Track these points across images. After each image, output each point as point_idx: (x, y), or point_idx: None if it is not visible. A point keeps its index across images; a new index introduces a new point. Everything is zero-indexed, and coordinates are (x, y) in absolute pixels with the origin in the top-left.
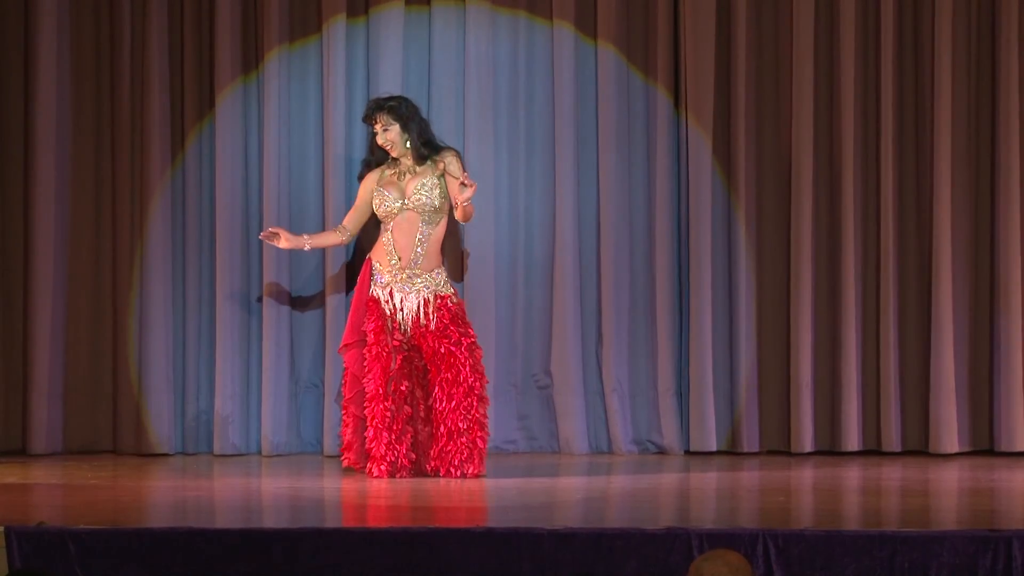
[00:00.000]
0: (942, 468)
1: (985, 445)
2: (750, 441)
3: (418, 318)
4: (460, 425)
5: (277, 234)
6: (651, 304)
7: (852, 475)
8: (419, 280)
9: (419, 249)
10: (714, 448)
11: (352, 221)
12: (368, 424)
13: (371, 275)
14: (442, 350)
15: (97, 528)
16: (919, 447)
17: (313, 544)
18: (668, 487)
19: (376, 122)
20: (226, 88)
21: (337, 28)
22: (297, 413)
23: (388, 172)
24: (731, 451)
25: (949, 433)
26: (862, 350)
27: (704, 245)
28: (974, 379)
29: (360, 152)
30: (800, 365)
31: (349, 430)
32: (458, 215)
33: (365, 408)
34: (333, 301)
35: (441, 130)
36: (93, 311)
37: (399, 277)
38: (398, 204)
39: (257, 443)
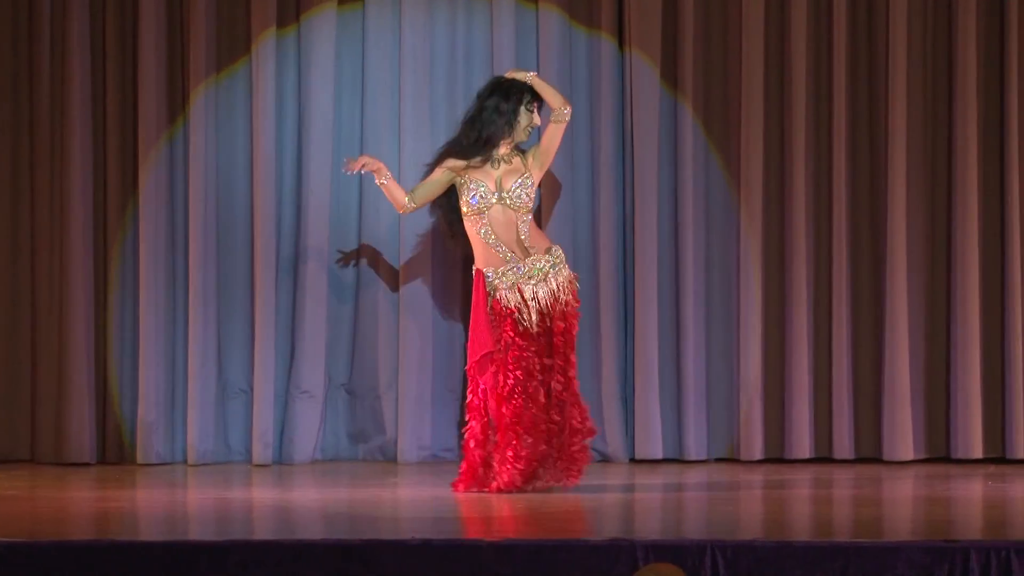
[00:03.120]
0: (896, 476)
1: (941, 452)
2: (697, 448)
3: (555, 302)
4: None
5: (377, 168)
6: (595, 305)
7: (803, 483)
8: (545, 262)
9: (523, 238)
10: (660, 456)
11: (420, 195)
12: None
13: (485, 286)
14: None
15: (14, 541)
16: (872, 454)
17: (242, 557)
18: (612, 496)
19: (528, 102)
20: (150, 116)
21: (267, 42)
22: (224, 420)
23: (474, 159)
24: (678, 459)
25: (903, 440)
26: (813, 353)
27: (650, 246)
28: (929, 384)
29: (291, 166)
30: (749, 369)
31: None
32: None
33: (499, 408)
34: (262, 302)
35: (376, 122)
36: (10, 318)
37: (523, 270)
38: (493, 197)
39: (183, 451)
